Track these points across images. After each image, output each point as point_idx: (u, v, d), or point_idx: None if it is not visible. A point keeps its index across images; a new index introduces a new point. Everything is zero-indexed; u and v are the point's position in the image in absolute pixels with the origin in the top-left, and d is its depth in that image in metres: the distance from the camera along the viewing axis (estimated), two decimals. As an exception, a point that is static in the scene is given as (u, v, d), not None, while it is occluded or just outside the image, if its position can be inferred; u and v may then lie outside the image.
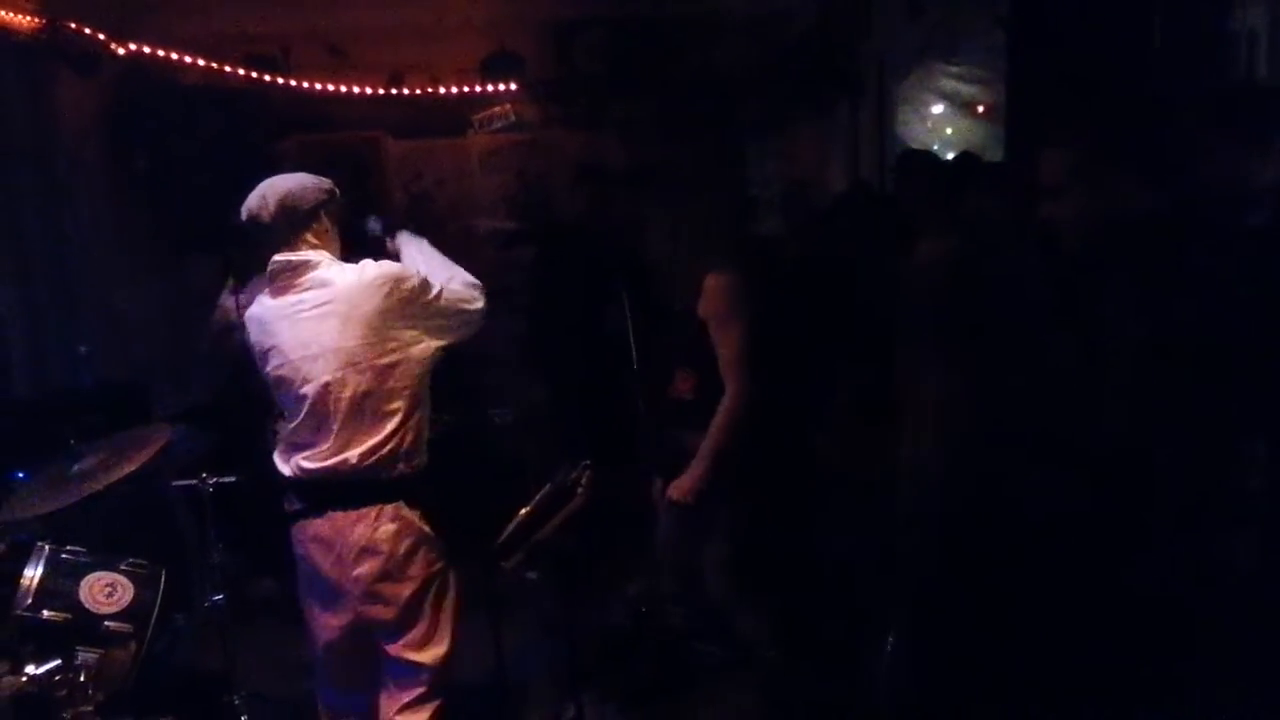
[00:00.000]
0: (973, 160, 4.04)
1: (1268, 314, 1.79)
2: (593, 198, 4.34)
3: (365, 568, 2.28)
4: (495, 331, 5.33)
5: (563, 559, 2.55)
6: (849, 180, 4.79)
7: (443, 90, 4.94)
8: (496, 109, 5.01)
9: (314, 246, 2.31)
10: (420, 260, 2.48)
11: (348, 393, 2.22)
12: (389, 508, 2.29)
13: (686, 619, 3.31)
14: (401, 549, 2.30)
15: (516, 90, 4.97)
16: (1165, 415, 1.83)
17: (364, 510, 2.27)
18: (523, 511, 2.43)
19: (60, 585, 2.42)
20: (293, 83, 4.70)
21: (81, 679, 2.26)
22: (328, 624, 2.38)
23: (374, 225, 2.60)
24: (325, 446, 2.25)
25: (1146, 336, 1.91)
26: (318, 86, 4.74)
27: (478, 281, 2.44)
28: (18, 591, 2.36)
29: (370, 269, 2.27)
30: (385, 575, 2.30)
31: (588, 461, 2.51)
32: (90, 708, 2.25)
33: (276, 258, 2.30)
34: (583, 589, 2.95)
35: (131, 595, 2.49)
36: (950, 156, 5.32)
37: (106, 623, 2.42)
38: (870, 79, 5.04)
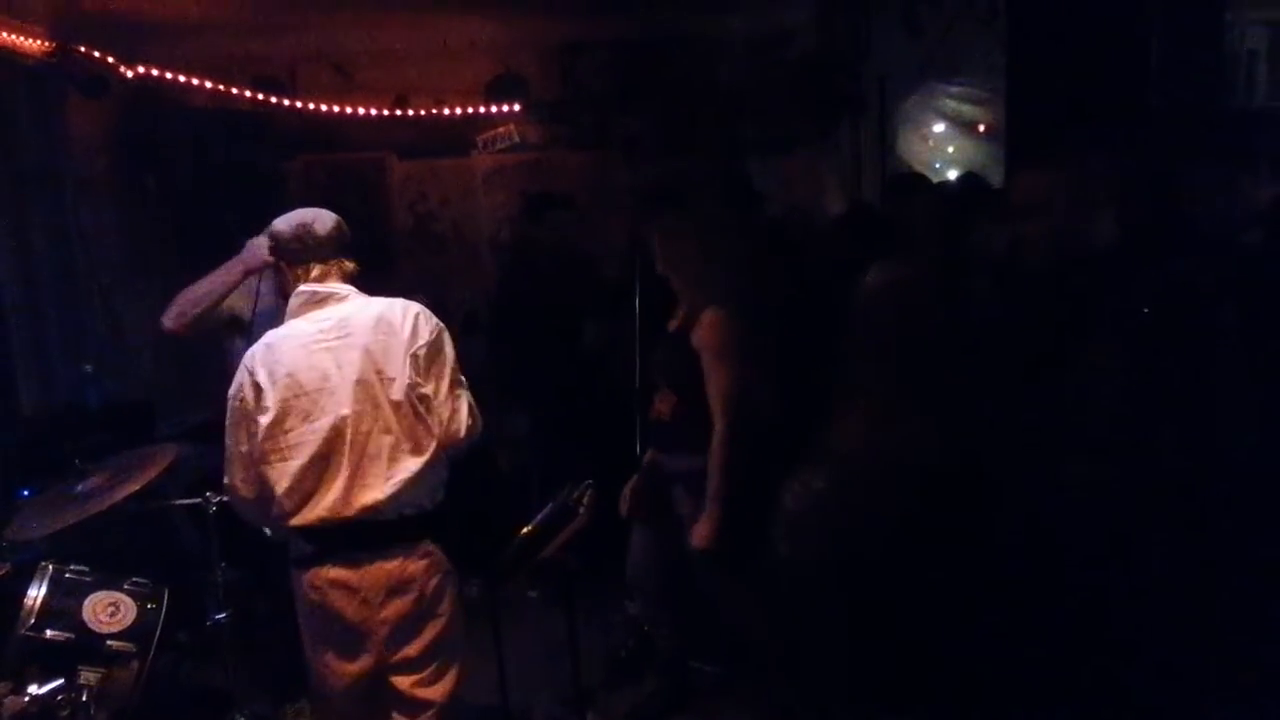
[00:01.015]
0: (973, 181, 4.07)
1: (1261, 331, 1.80)
2: (555, 224, 4.31)
3: (394, 608, 2.21)
4: (496, 349, 5.37)
5: (565, 578, 2.55)
6: (849, 201, 4.81)
7: (447, 111, 4.98)
8: (500, 129, 5.05)
9: (345, 278, 2.31)
10: None
11: (365, 427, 2.16)
12: (419, 546, 2.23)
13: (678, 637, 3.30)
14: (431, 586, 2.25)
15: (520, 111, 5.01)
16: (1156, 438, 1.83)
17: (392, 550, 2.19)
18: (524, 530, 2.43)
19: (63, 605, 2.43)
20: (299, 104, 4.75)
21: (84, 699, 2.26)
22: (344, 671, 2.26)
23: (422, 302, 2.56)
24: (339, 485, 2.14)
25: (1131, 361, 1.91)
26: (323, 108, 4.79)
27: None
28: (21, 612, 2.37)
29: (406, 305, 2.26)
30: (417, 616, 2.24)
31: (590, 480, 2.51)
32: (93, 727, 2.25)
33: (303, 288, 2.27)
34: (585, 608, 2.95)
35: (134, 614, 2.50)
36: (951, 176, 5.38)
37: (109, 642, 2.43)
38: (871, 99, 5.08)
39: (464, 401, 2.26)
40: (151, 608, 2.54)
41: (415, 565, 2.22)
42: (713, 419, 2.82)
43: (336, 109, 4.82)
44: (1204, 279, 2.04)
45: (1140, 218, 2.22)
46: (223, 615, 2.91)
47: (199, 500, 2.89)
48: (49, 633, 2.38)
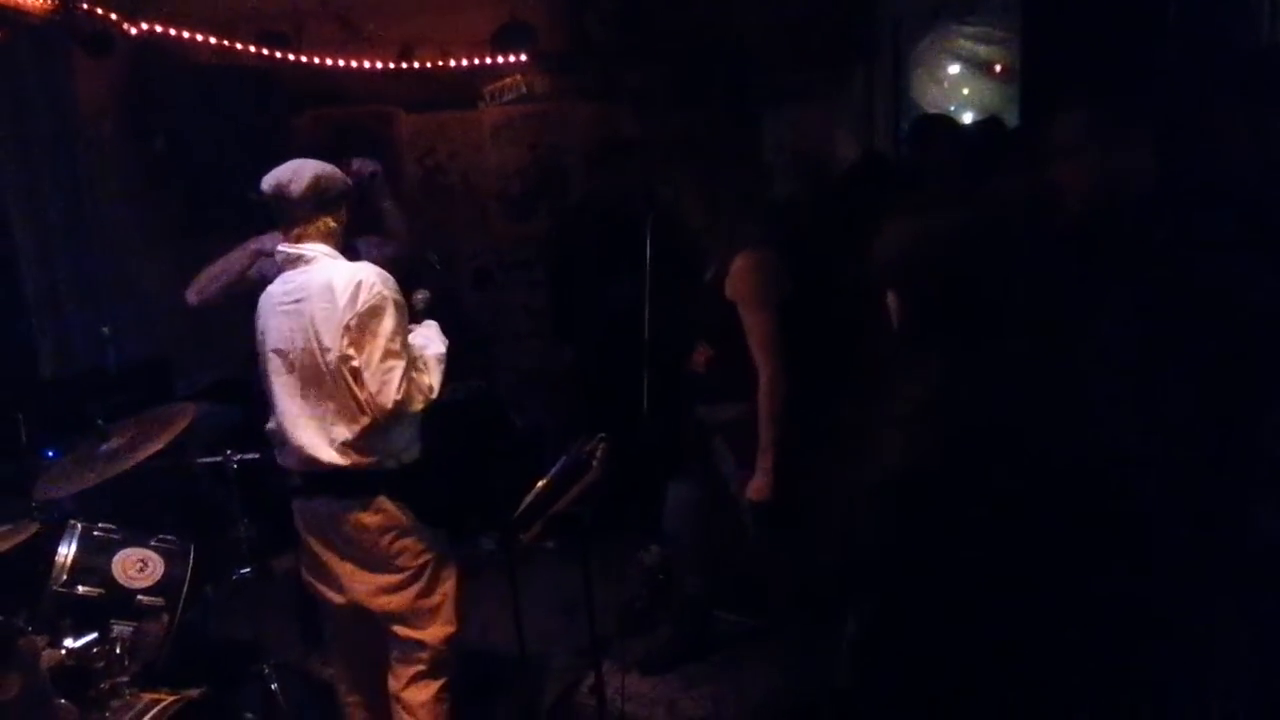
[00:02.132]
0: (996, 126, 3.99)
1: None
2: (617, 171, 4.32)
3: (352, 558, 2.38)
4: (513, 304, 5.38)
5: (579, 531, 2.59)
6: (862, 148, 4.75)
7: (454, 63, 4.92)
8: (508, 80, 4.98)
9: (324, 237, 2.34)
10: (421, 336, 2.45)
11: (310, 391, 2.27)
12: (373, 501, 2.32)
13: (706, 586, 3.35)
14: (384, 542, 2.36)
15: (528, 61, 4.94)
16: (1174, 404, 1.80)
17: (348, 502, 2.33)
18: (539, 484, 2.46)
19: (93, 562, 2.49)
20: (305, 58, 4.70)
21: (117, 651, 2.33)
22: (331, 599, 2.47)
23: (419, 298, 2.55)
24: (297, 438, 2.30)
25: (1155, 318, 1.88)
26: (329, 62, 4.74)
27: (432, 393, 2.35)
28: (53, 569, 2.44)
29: (354, 272, 2.24)
30: (371, 566, 2.38)
31: (603, 434, 2.53)
32: (126, 678, 2.32)
33: (282, 247, 2.35)
34: (601, 559, 2.99)
35: (162, 570, 2.56)
36: (968, 119, 5.28)
37: (139, 597, 2.50)
38: (884, 42, 4.98)
39: (395, 374, 2.23)
40: (178, 563, 2.61)
41: (369, 519, 2.33)
42: (749, 369, 2.82)
43: (343, 63, 4.77)
44: (1230, 228, 2.00)
45: (1174, 162, 2.17)
46: (247, 570, 2.98)
47: (220, 458, 2.94)
48: (80, 588, 2.45)
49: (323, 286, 2.25)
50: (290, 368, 2.30)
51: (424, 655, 2.45)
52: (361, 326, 2.21)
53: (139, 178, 4.51)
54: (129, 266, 4.36)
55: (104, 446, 2.70)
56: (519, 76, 4.97)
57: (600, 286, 4.12)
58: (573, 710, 3.11)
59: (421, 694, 2.44)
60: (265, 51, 4.58)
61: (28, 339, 3.94)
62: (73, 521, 2.54)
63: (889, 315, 1.86)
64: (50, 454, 3.02)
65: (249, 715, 2.76)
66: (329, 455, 2.28)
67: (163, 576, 2.55)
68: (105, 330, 3.73)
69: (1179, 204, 2.11)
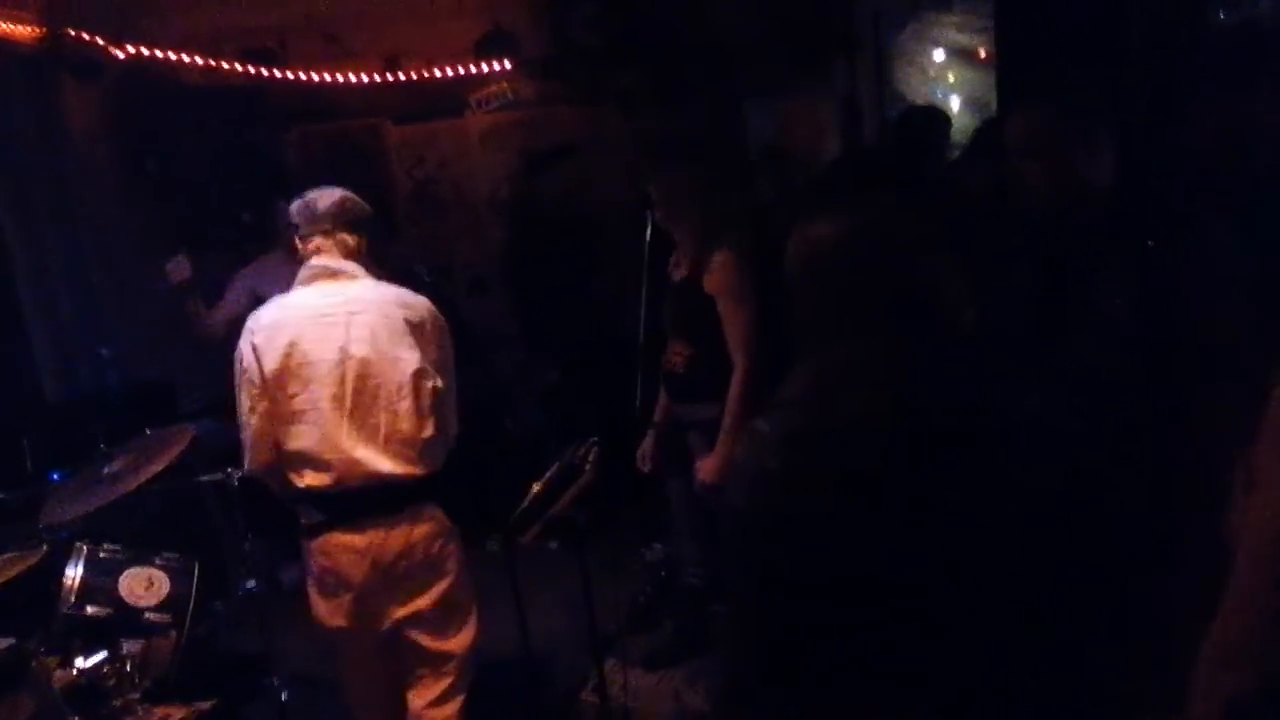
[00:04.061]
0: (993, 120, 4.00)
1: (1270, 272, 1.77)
2: (567, 178, 4.37)
3: (402, 570, 2.30)
4: (501, 310, 5.40)
5: (576, 532, 2.63)
6: (846, 140, 4.77)
7: (439, 73, 4.96)
8: (493, 88, 5.01)
9: (346, 253, 2.35)
10: None
11: (369, 401, 2.23)
12: (424, 510, 2.31)
13: (706, 581, 3.39)
14: (436, 548, 2.34)
15: (512, 68, 4.97)
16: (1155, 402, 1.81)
17: (398, 516, 2.27)
18: (535, 487, 2.51)
19: (101, 582, 2.54)
20: (291, 75, 4.74)
21: (128, 668, 2.38)
22: (356, 637, 2.38)
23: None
24: (348, 450, 2.22)
25: (1132, 313, 1.90)
26: (315, 77, 4.78)
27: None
28: (61, 591, 2.49)
29: (416, 295, 2.36)
30: (424, 577, 2.34)
31: (594, 438, 2.57)
32: (138, 694, 2.37)
33: (314, 261, 2.34)
34: (604, 557, 3.03)
35: (169, 588, 2.61)
36: (954, 107, 5.30)
37: (147, 614, 2.55)
38: (866, 33, 5.00)
39: (453, 398, 2.38)
40: (184, 580, 2.65)
41: (421, 529, 2.31)
42: (729, 365, 2.87)
43: (329, 77, 4.81)
44: (1207, 212, 2.02)
45: (1139, 150, 2.19)
46: (253, 584, 3.02)
47: (221, 475, 2.99)
48: (89, 609, 2.49)
49: (381, 300, 2.30)
50: (340, 380, 2.23)
51: (452, 667, 2.44)
52: (439, 344, 2.34)
53: (132, 199, 4.55)
54: (126, 288, 4.41)
55: (107, 469, 2.75)
56: (504, 83, 5.01)
57: (573, 292, 4.15)
58: (577, 709, 3.15)
59: (447, 709, 2.45)
60: (252, 70, 4.63)
61: (29, 363, 3.99)
62: (79, 544, 2.59)
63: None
64: (55, 477, 3.07)
65: (260, 726, 2.79)
66: (389, 466, 2.24)
67: (169, 594, 2.60)
68: (104, 352, 3.77)
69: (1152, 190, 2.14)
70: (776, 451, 1.30)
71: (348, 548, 2.27)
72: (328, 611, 2.36)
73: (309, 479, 2.25)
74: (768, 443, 1.33)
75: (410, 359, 2.27)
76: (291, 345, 2.25)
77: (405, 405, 2.25)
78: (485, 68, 4.93)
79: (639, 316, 3.20)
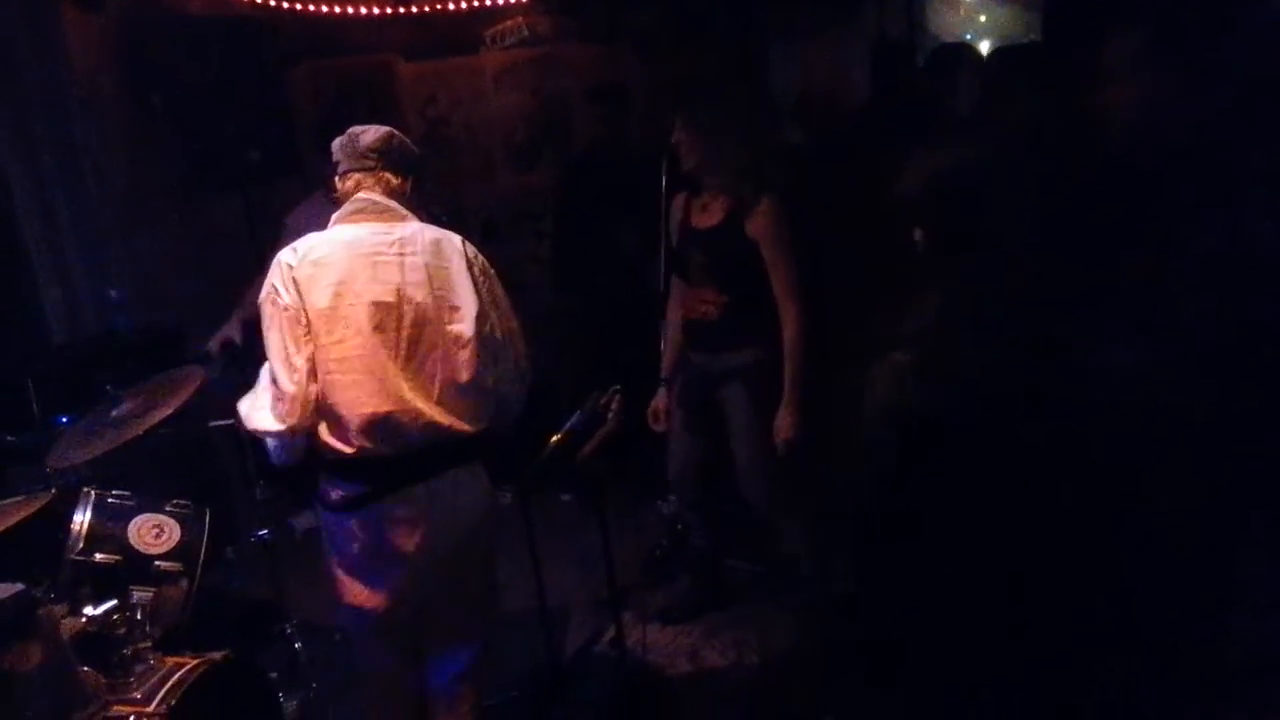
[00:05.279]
0: (1017, 54, 3.83)
1: None
2: (606, 118, 4.27)
3: (450, 535, 2.15)
4: (519, 255, 5.31)
5: (596, 482, 2.57)
6: (876, 81, 4.59)
7: (452, 6, 4.78)
8: (509, 23, 4.85)
9: (388, 193, 2.18)
10: None
11: (424, 350, 2.08)
12: (476, 470, 2.20)
13: (712, 539, 3.33)
14: (480, 510, 2.22)
15: (529, 3, 4.79)
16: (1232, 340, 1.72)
17: (446, 476, 2.13)
18: (554, 438, 2.43)
19: (109, 529, 2.48)
20: (299, 6, 4.57)
21: (138, 616, 2.32)
22: (393, 608, 2.21)
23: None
24: (400, 403, 2.04)
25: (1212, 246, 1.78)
26: (325, 8, 4.61)
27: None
28: (69, 537, 2.43)
29: (464, 240, 2.22)
30: (471, 539, 2.21)
31: (617, 386, 2.49)
32: (149, 643, 2.32)
33: (361, 195, 2.16)
34: (619, 510, 2.98)
35: (179, 535, 2.55)
36: (986, 47, 5.10)
37: (157, 562, 2.49)
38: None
39: (521, 342, 2.27)
40: (194, 527, 2.59)
41: (471, 490, 2.19)
42: (764, 311, 2.84)
43: (339, 9, 4.64)
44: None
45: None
46: (264, 531, 2.98)
47: (233, 421, 2.91)
48: (98, 556, 2.43)
49: (433, 242, 2.15)
50: (397, 324, 2.05)
51: (476, 630, 2.35)
52: (493, 294, 2.21)
53: (136, 136, 4.42)
54: (134, 227, 4.30)
55: (115, 412, 2.68)
56: (520, 19, 4.84)
57: (608, 234, 4.08)
58: (594, 662, 3.12)
59: (466, 685, 2.35)
60: (258, 0, 4.46)
61: (35, 304, 3.91)
62: (86, 489, 2.52)
63: (910, 249, 1.79)
64: (63, 420, 3.00)
65: (273, 675, 2.76)
66: (446, 420, 2.08)
67: (179, 541, 2.54)
68: (113, 293, 3.70)
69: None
70: (920, 381, 1.32)
71: (399, 519, 2.11)
72: (367, 594, 2.19)
73: (354, 439, 2.06)
74: (908, 375, 1.35)
75: (470, 304, 2.13)
76: (341, 284, 2.05)
77: (465, 355, 2.11)
78: (501, 2, 4.75)
79: (656, 268, 3.10)
